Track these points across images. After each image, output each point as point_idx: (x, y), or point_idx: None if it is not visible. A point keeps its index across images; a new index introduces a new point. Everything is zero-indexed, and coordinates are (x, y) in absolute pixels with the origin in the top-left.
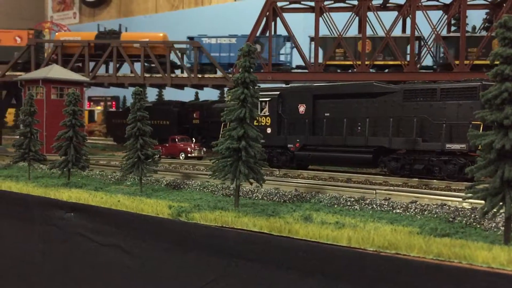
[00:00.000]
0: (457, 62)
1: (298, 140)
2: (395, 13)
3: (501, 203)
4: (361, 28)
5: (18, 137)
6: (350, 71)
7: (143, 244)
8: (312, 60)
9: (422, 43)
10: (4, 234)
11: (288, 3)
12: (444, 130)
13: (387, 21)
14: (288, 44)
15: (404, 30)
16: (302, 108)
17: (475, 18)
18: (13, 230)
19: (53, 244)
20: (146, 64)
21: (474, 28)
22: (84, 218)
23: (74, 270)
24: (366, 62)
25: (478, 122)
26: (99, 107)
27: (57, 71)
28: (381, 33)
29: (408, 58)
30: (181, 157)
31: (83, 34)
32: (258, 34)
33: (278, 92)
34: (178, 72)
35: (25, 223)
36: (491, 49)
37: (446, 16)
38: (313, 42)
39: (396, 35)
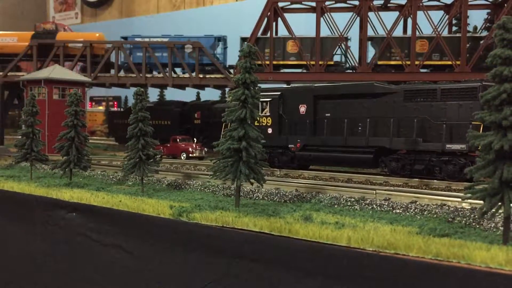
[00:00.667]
0: (380, 62)
1: (299, 140)
2: (397, 13)
3: (499, 203)
4: (362, 28)
5: (20, 137)
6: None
7: (145, 244)
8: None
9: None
10: (6, 234)
11: (289, 3)
12: (445, 131)
13: (388, 21)
14: (221, 44)
15: (405, 31)
16: (303, 109)
17: (477, 18)
18: (15, 230)
19: (55, 244)
20: (82, 64)
21: (475, 28)
22: (86, 218)
23: (76, 269)
24: (416, 62)
25: (478, 123)
26: (101, 107)
27: (59, 72)
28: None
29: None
30: (182, 157)
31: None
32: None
33: (279, 93)
34: (179, 72)
35: (27, 223)
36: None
37: (447, 16)
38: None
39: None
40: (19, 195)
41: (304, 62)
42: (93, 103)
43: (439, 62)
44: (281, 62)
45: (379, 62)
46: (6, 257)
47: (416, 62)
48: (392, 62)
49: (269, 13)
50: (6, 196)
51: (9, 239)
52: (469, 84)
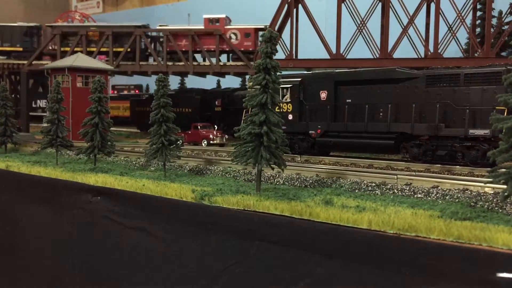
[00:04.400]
0: None
1: (319, 127)
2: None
3: None
4: (384, 15)
5: (45, 124)
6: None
7: (167, 227)
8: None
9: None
10: (34, 217)
11: None
12: (468, 116)
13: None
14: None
15: (428, 16)
16: (323, 95)
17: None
18: (43, 213)
19: (80, 227)
20: None
21: (500, 13)
22: (110, 202)
23: (100, 252)
24: None
25: (502, 107)
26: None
27: (82, 60)
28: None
29: None
30: (203, 144)
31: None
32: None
33: (300, 79)
34: (200, 60)
35: (54, 207)
36: None
37: (471, 1)
38: None
39: None
40: (46, 180)
41: None
42: (115, 91)
43: None
44: None
45: None
46: (34, 239)
47: None
48: None
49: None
50: (34, 181)
51: (37, 222)
52: (493, 68)
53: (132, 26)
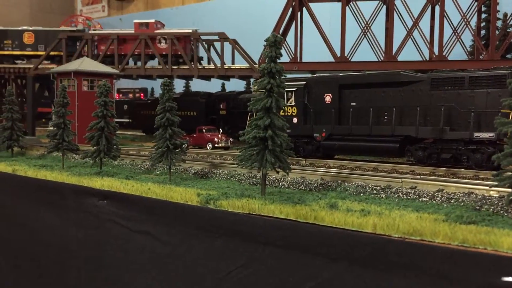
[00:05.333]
0: None
1: (324, 130)
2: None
3: None
4: (389, 17)
5: (50, 128)
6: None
7: (172, 230)
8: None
9: None
10: (40, 221)
11: None
12: (473, 119)
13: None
14: None
15: (433, 19)
16: (328, 98)
17: (507, 3)
18: (49, 217)
19: (86, 230)
20: None
21: (505, 15)
22: (116, 205)
23: (106, 255)
24: None
25: (507, 111)
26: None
27: (88, 64)
28: (409, 22)
29: None
30: (208, 147)
31: None
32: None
33: (304, 82)
34: (205, 63)
35: (60, 210)
36: None
37: (476, 4)
38: None
39: None
40: (52, 183)
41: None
42: (120, 95)
43: None
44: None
45: None
46: (41, 243)
47: None
48: None
49: (293, 2)
50: (40, 184)
51: (44, 225)
52: (498, 71)
53: (60, 30)
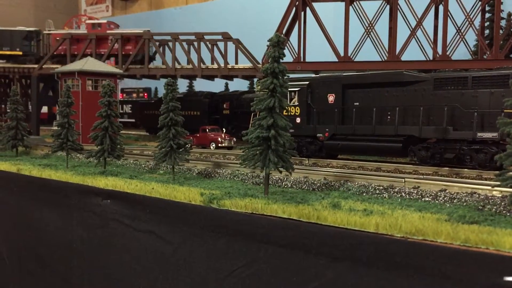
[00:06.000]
0: None
1: (327, 130)
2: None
3: None
4: (392, 17)
5: (55, 128)
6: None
7: (176, 229)
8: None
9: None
10: (45, 220)
11: None
12: (476, 119)
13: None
14: None
15: (436, 18)
16: (331, 98)
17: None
18: (53, 216)
19: (90, 230)
20: None
21: (509, 15)
22: (119, 205)
23: (110, 254)
24: None
25: (510, 111)
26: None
27: (92, 64)
28: (413, 22)
29: None
30: (211, 147)
31: None
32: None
33: (307, 82)
34: (208, 63)
35: (64, 210)
36: None
37: (480, 3)
38: None
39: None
40: (57, 183)
41: None
42: (124, 95)
43: None
44: None
45: None
46: (45, 242)
47: None
48: None
49: (297, 2)
50: (45, 184)
51: (48, 225)
52: (501, 71)
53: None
